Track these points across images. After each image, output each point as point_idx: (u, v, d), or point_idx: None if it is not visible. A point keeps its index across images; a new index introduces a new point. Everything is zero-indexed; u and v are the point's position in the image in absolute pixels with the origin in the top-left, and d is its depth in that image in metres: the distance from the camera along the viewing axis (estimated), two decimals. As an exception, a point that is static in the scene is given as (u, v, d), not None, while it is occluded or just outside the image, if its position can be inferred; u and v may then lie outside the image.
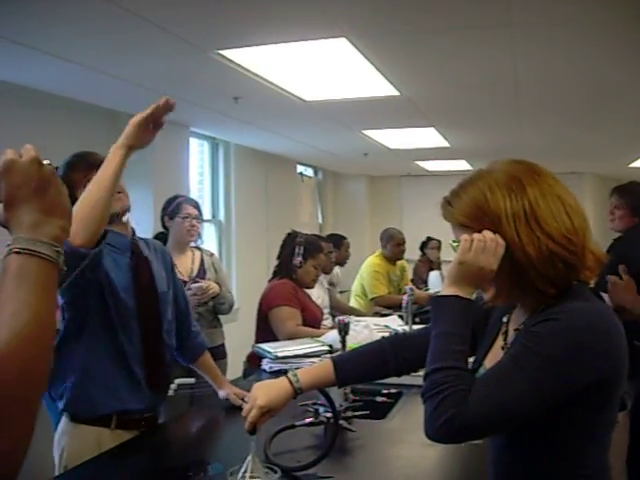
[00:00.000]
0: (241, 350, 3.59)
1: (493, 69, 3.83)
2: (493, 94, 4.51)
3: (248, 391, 1.63)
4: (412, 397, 2.46)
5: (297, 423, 2.00)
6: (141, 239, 2.31)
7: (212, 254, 3.85)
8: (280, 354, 2.92)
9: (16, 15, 2.73)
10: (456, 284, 1.24)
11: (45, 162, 0.90)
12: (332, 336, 2.96)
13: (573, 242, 1.20)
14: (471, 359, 1.36)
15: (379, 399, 2.38)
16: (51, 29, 2.98)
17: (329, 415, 1.99)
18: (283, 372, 1.65)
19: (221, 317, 3.74)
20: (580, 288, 1.24)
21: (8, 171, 0.87)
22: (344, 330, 2.35)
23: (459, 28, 3.07)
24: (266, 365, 2.94)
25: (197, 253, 3.67)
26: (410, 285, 3.81)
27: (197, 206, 3.64)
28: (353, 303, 5.58)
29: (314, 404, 2.09)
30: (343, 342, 2.36)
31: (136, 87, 4.04)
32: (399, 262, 5.96)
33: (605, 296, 2.63)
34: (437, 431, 1.15)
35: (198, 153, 6.37)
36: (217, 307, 3.62)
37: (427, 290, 5.77)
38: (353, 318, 3.22)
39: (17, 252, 0.84)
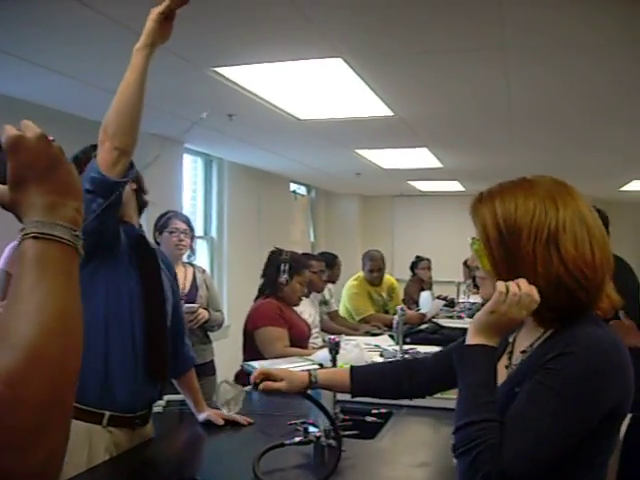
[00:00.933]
0: (231, 367, 3.57)
1: (487, 90, 3.86)
2: (486, 115, 4.54)
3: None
4: (402, 417, 2.45)
5: (286, 442, 1.99)
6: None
7: (204, 270, 3.84)
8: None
9: (6, 26, 2.72)
10: (483, 333, 1.22)
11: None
12: (322, 355, 2.94)
13: (588, 277, 1.19)
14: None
15: (369, 419, 2.36)
16: (43, 41, 2.98)
17: (318, 434, 1.98)
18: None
19: (211, 334, 3.73)
20: (589, 311, 1.23)
21: (15, 148, 0.77)
22: (334, 349, 2.34)
23: (453, 50, 3.10)
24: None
25: (190, 269, 3.66)
26: (402, 305, 3.81)
27: (187, 221, 3.63)
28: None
29: (303, 423, 2.08)
30: (333, 361, 2.34)
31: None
32: (389, 282, 5.94)
33: None
34: None
35: (191, 169, 6.37)
36: (207, 327, 3.62)
37: (418, 310, 5.75)
38: (343, 337, 3.21)
39: (35, 237, 0.74)
